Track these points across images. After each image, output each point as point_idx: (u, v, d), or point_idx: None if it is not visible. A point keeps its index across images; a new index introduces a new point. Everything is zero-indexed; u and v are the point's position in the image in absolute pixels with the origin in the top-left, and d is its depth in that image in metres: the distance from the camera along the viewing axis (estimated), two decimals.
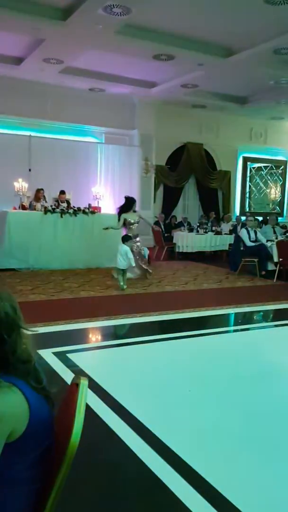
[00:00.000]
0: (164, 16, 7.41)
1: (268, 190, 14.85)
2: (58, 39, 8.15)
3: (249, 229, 8.61)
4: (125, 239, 7.08)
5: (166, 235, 10.99)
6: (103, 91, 11.30)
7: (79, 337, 4.64)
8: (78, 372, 3.55)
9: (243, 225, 10.15)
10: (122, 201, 8.42)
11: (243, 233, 8.60)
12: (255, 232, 8.63)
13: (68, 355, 3.98)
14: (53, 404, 1.29)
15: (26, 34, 8.13)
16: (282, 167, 14.89)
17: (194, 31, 8.03)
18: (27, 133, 10.52)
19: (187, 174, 13.23)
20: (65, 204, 9.17)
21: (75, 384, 1.34)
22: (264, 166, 14.67)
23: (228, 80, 10.41)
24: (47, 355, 3.95)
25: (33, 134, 10.58)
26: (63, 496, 1.24)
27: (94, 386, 3.30)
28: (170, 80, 10.48)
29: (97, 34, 7.80)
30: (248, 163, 14.42)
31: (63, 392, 1.47)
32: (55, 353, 3.98)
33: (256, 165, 14.62)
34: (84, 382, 1.31)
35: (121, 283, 6.79)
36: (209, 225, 11.08)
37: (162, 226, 11.19)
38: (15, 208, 8.65)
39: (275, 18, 7.08)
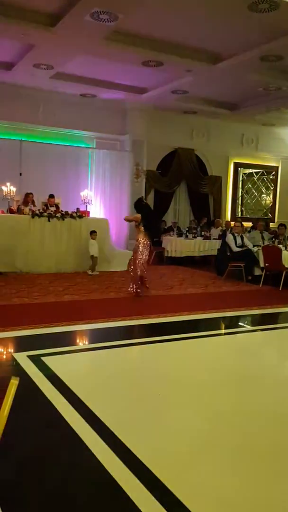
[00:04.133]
0: (152, 22, 7.49)
1: (259, 196, 14.93)
2: (47, 45, 8.21)
3: (236, 234, 8.66)
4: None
5: (155, 239, 11.03)
6: (94, 97, 11.38)
7: (56, 340, 4.66)
8: (51, 376, 3.58)
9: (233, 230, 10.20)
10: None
11: (229, 238, 8.65)
12: (242, 238, 8.68)
13: (43, 358, 4.00)
14: None
15: (16, 39, 8.19)
16: (274, 172, 14.97)
17: (182, 37, 8.11)
18: (18, 138, 10.57)
19: (178, 179, 13.29)
20: (53, 208, 9.22)
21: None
22: (255, 172, 14.75)
23: (218, 87, 10.49)
24: (22, 358, 3.97)
25: (24, 139, 10.63)
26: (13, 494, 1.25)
27: (64, 388, 3.33)
28: (160, 86, 10.56)
29: (85, 40, 7.87)
30: (240, 168, 14.49)
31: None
32: (29, 356, 4.00)
33: (248, 170, 14.70)
34: (14, 381, 1.34)
35: None
36: (198, 230, 11.12)
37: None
38: (2, 212, 8.68)
39: (260, 25, 7.16)
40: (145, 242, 6.91)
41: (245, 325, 6.01)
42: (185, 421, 2.96)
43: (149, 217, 7.11)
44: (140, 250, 6.87)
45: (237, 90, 10.81)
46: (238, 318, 6.09)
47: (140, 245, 6.88)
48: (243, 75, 9.48)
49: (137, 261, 6.86)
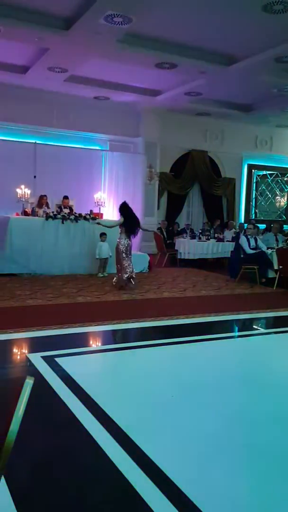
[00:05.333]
0: (165, 25, 7.51)
1: (273, 198, 14.82)
2: (61, 48, 8.29)
3: (249, 236, 8.60)
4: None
5: (168, 241, 11.02)
6: (108, 99, 11.43)
7: (69, 342, 4.68)
8: (64, 377, 3.59)
9: (245, 232, 10.14)
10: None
11: (242, 240, 8.60)
12: (255, 240, 8.62)
13: (57, 359, 4.02)
14: None
15: (31, 43, 8.28)
16: None
17: (196, 39, 8.11)
18: (33, 140, 10.67)
19: (192, 181, 13.27)
20: (67, 210, 9.27)
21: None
22: (269, 174, 14.65)
23: (232, 88, 10.46)
24: (36, 359, 4.00)
25: (38, 141, 10.73)
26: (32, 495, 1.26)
27: (77, 389, 3.34)
28: (173, 88, 10.57)
29: (99, 43, 7.92)
30: (253, 170, 14.41)
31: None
32: (44, 357, 4.03)
33: (262, 172, 14.61)
34: (28, 381, 1.35)
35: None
36: (211, 232, 11.08)
37: (165, 233, 11.23)
38: (17, 214, 8.76)
39: (274, 27, 7.13)
40: (125, 242, 7.49)
41: (259, 328, 5.96)
42: (198, 423, 2.94)
43: (126, 218, 7.56)
44: (120, 249, 7.48)
45: (251, 92, 10.77)
46: (251, 320, 6.04)
47: (120, 245, 7.51)
48: (257, 77, 9.45)
49: (121, 261, 7.47)
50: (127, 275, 7.45)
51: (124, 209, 7.61)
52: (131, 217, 7.59)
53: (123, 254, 7.47)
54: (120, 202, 7.94)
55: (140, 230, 8.15)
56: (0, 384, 3.51)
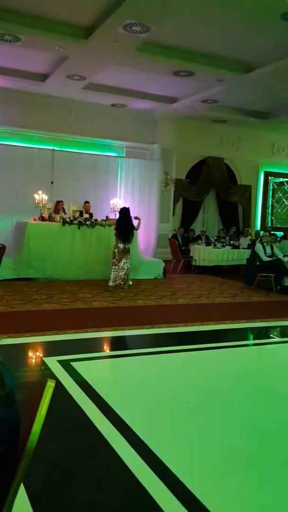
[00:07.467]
0: (183, 33, 7.58)
1: None
2: (80, 57, 8.41)
3: (265, 244, 8.57)
4: None
5: (183, 248, 11.02)
6: (125, 107, 11.54)
7: (85, 346, 4.72)
8: (80, 381, 3.63)
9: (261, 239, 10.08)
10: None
11: (258, 247, 8.56)
12: (272, 247, 8.58)
13: (73, 363, 4.05)
14: (13, 410, 1.30)
15: (50, 52, 8.42)
16: None
17: (213, 47, 8.16)
18: (51, 147, 10.82)
19: (207, 188, 13.27)
20: (87, 215, 9.35)
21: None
22: (286, 181, 14.57)
23: (249, 95, 10.47)
24: (52, 363, 4.04)
25: (56, 148, 10.87)
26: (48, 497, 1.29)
27: (93, 394, 3.37)
28: (190, 96, 10.63)
29: (118, 51, 8.02)
30: (270, 177, 14.35)
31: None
32: (59, 361, 4.07)
33: (278, 179, 14.53)
34: (50, 384, 1.38)
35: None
36: (227, 239, 11.05)
37: (180, 239, 11.24)
38: (35, 219, 8.87)
39: None
40: (121, 246, 7.77)
41: (274, 336, 5.92)
42: (213, 430, 2.94)
43: (118, 222, 7.90)
44: (115, 252, 7.81)
45: (268, 99, 10.76)
46: (267, 329, 6.00)
47: (115, 249, 7.83)
48: (274, 84, 9.44)
49: (115, 263, 7.79)
50: (115, 282, 7.72)
51: (120, 214, 7.94)
52: (123, 223, 7.81)
53: (116, 257, 7.77)
54: (136, 208, 8.06)
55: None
56: (18, 388, 3.55)
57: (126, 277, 7.89)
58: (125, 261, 7.83)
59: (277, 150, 14.15)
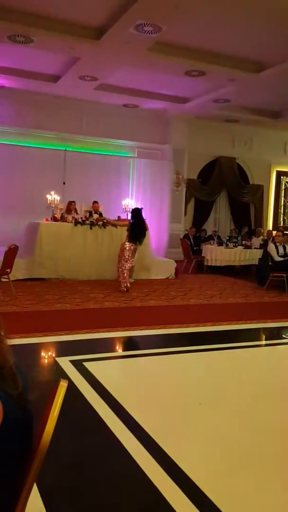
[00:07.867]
0: (195, 33, 7.55)
1: None
2: (92, 58, 8.43)
3: (278, 243, 8.50)
4: None
5: (195, 248, 11.00)
6: (136, 107, 11.55)
7: (97, 346, 4.74)
8: (92, 381, 3.64)
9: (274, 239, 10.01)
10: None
11: (270, 247, 8.50)
12: (284, 247, 8.51)
13: (85, 363, 4.07)
14: (26, 409, 1.28)
15: (62, 53, 8.47)
16: None
17: (225, 47, 8.11)
18: (63, 148, 10.87)
19: (219, 188, 13.21)
20: (97, 215, 9.39)
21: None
22: None
23: (261, 95, 10.40)
24: (64, 363, 4.06)
25: (68, 148, 10.92)
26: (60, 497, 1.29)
27: (105, 394, 3.38)
28: (202, 95, 10.59)
29: (129, 52, 8.03)
30: (282, 177, 14.23)
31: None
32: (72, 361, 4.09)
33: None
34: (63, 384, 1.38)
35: None
36: (239, 239, 10.99)
37: (191, 240, 11.21)
38: (47, 220, 8.93)
39: None
40: (130, 246, 7.71)
41: (287, 337, 5.87)
42: (225, 431, 2.93)
43: (132, 223, 7.85)
44: (125, 253, 7.69)
45: (280, 98, 10.67)
46: (279, 329, 5.96)
47: (125, 250, 7.71)
48: (286, 83, 9.36)
49: (122, 263, 7.70)
50: (126, 283, 7.65)
51: (133, 215, 7.90)
52: (136, 224, 7.80)
53: (127, 256, 7.70)
54: (148, 209, 8.06)
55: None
56: (31, 387, 3.58)
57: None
58: (132, 260, 7.87)
59: None
